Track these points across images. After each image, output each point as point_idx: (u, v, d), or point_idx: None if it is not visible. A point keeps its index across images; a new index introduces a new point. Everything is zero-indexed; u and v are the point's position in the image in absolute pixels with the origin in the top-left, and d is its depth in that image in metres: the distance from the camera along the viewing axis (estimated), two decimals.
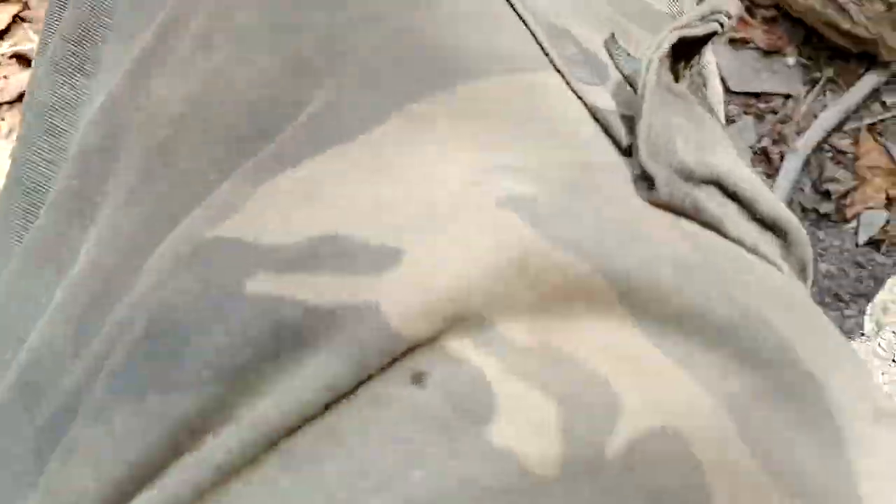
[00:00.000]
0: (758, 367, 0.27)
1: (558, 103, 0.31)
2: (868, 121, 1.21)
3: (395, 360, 0.26)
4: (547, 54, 0.32)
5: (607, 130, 0.31)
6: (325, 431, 0.25)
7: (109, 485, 0.25)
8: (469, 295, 0.25)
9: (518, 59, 0.32)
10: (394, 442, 0.24)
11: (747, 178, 0.32)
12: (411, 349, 0.26)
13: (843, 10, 1.14)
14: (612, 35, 0.35)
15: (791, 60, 1.20)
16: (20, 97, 1.06)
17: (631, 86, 0.34)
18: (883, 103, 1.22)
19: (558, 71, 0.32)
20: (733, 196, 0.32)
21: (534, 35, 0.33)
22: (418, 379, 0.25)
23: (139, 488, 0.25)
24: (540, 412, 0.24)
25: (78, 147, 0.36)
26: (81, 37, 0.39)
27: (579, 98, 0.32)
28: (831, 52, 1.19)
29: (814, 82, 1.20)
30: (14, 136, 0.99)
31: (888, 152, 1.21)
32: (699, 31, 0.33)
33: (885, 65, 1.19)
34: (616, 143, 0.31)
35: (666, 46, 0.31)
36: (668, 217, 0.29)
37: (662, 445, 0.24)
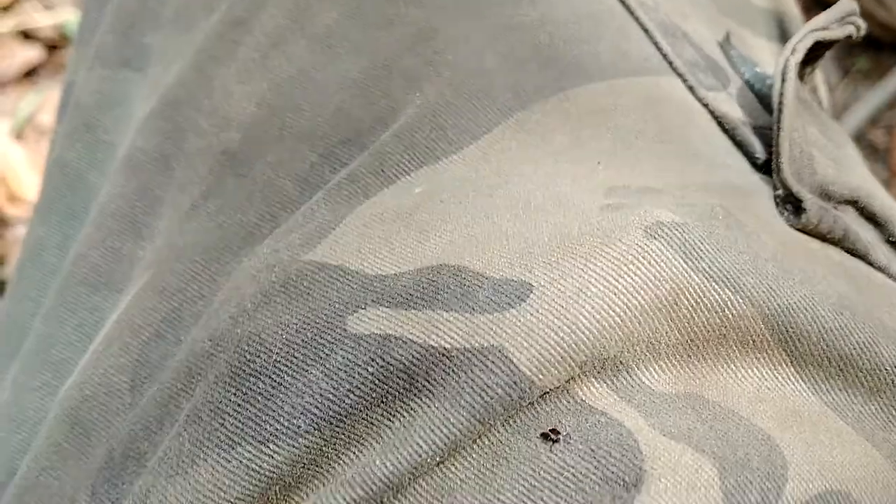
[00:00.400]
0: None
1: (685, 112, 0.28)
2: None
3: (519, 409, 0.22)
4: (665, 56, 0.29)
5: (739, 143, 0.28)
6: (436, 486, 0.22)
7: None
8: (611, 338, 0.22)
9: (634, 60, 0.29)
10: (520, 501, 0.21)
11: (881, 196, 0.29)
12: (542, 396, 0.22)
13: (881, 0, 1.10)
14: (727, 35, 0.32)
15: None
16: (26, 74, 1.02)
17: (752, 91, 0.30)
18: None
19: (679, 74, 0.29)
20: (871, 217, 0.28)
21: (648, 34, 0.29)
22: (550, 432, 0.22)
23: None
24: (698, 476, 0.21)
25: (129, 151, 0.33)
26: (128, 27, 0.35)
27: (704, 105, 0.28)
28: (865, 43, 1.16)
29: (846, 73, 1.17)
30: (16, 114, 0.96)
31: None
32: (837, 34, 0.29)
33: None
34: (749, 157, 0.28)
35: (802, 51, 0.28)
36: (816, 244, 0.26)
37: None
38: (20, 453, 0.30)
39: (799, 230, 0.26)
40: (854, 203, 0.28)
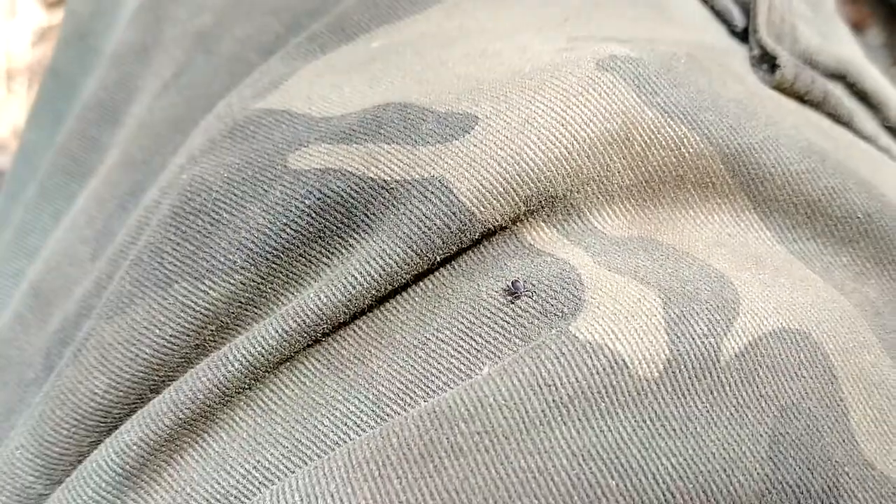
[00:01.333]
0: None
1: None
2: None
3: (462, 251, 0.22)
4: None
5: (717, 13, 0.27)
6: (374, 329, 0.21)
7: (122, 385, 0.22)
8: (558, 172, 0.21)
9: None
10: (457, 339, 0.20)
11: (876, 76, 0.28)
12: (484, 237, 0.21)
13: None
14: None
15: (873, 39, 1.13)
16: None
17: None
18: None
19: None
20: (862, 96, 0.27)
21: None
22: (489, 271, 0.21)
23: (156, 388, 0.22)
24: (640, 305, 0.19)
25: (115, 46, 0.33)
26: None
27: None
28: None
29: None
30: None
31: None
32: None
33: None
34: (728, 25, 0.27)
35: None
36: (793, 104, 0.25)
37: (789, 349, 0.19)
38: None
39: (779, 90, 0.25)
40: (843, 78, 0.27)
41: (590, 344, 0.19)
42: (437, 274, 0.21)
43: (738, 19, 0.27)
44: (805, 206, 0.22)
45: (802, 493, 0.18)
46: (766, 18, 0.25)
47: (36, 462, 0.22)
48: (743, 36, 0.26)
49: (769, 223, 0.22)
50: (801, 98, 0.25)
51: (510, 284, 0.20)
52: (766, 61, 0.25)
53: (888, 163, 0.25)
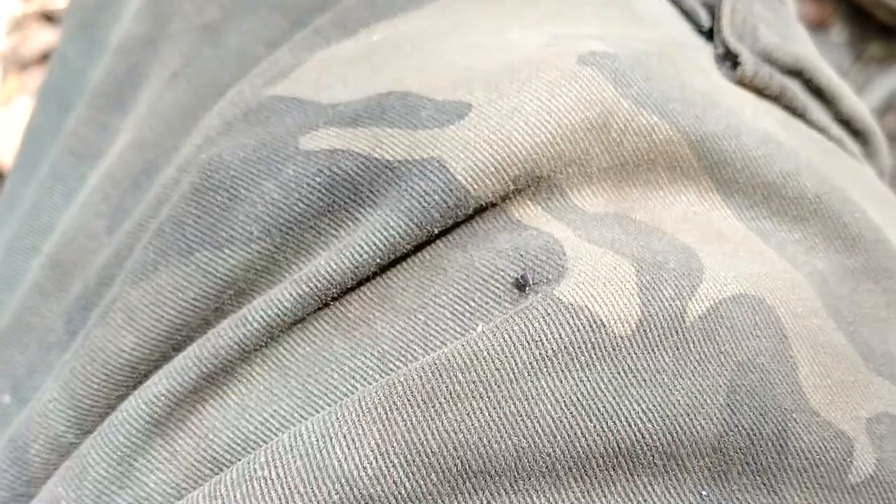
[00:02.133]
0: (846, 245, 0.25)
1: None
2: None
3: (457, 225, 0.24)
4: None
5: (685, 13, 0.30)
6: (378, 294, 0.24)
7: (148, 343, 0.24)
8: (543, 155, 0.23)
9: None
10: (452, 303, 0.23)
11: (830, 73, 0.30)
12: (477, 213, 0.24)
13: None
14: None
15: (836, 37, 1.17)
16: (48, 56, 1.05)
17: None
18: None
19: None
20: (817, 92, 0.30)
21: None
22: (481, 244, 0.24)
23: (180, 347, 0.24)
24: (616, 272, 0.22)
25: (121, 38, 0.35)
26: None
27: None
28: (878, 29, 1.16)
29: (858, 58, 1.17)
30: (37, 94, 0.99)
31: None
32: None
33: None
34: (695, 25, 0.29)
35: None
36: (752, 97, 0.27)
37: (746, 312, 0.22)
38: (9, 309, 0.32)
39: (740, 85, 0.28)
40: (799, 74, 0.29)
41: (572, 306, 0.21)
42: (433, 246, 0.24)
43: (705, 19, 0.29)
44: (762, 188, 0.25)
45: (755, 435, 0.21)
46: (729, 20, 0.28)
47: (68, 413, 0.24)
48: (709, 35, 0.29)
49: (730, 203, 0.25)
50: (760, 92, 0.28)
51: (519, 277, 0.23)
52: (729, 58, 0.28)
53: (836, 151, 0.28)
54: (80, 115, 0.34)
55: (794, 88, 0.29)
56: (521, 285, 0.23)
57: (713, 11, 0.29)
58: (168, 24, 0.33)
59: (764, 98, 0.28)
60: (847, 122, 0.30)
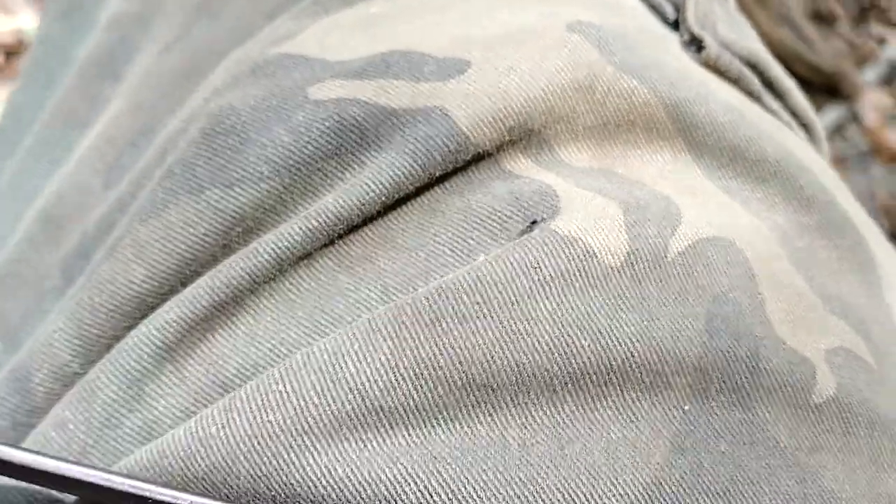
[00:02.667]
0: (802, 205, 0.28)
1: None
2: (830, 154, 1.25)
3: (454, 173, 0.26)
4: None
5: (654, 8, 0.33)
6: (380, 234, 0.25)
7: (158, 276, 0.25)
8: (535, 109, 0.26)
9: None
10: (451, 241, 0.24)
11: (780, 71, 0.34)
12: (474, 161, 0.26)
13: (809, 43, 1.19)
14: None
15: None
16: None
17: None
18: (844, 138, 1.27)
19: None
20: (768, 84, 0.33)
21: None
22: (477, 189, 0.25)
23: (187, 281, 0.25)
24: (605, 211, 0.24)
25: (111, 14, 0.36)
26: None
27: None
28: (800, 85, 1.24)
29: None
30: None
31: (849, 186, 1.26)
32: None
33: (847, 99, 1.24)
34: (664, 19, 0.32)
35: None
36: (715, 77, 0.30)
37: (720, 252, 0.24)
38: None
39: (704, 66, 0.30)
40: (754, 67, 0.32)
41: (567, 237, 0.23)
42: (432, 191, 0.26)
43: (670, 13, 0.32)
44: (728, 151, 0.27)
45: (731, 357, 0.23)
46: (693, 12, 0.31)
47: (73, 342, 0.24)
48: (674, 26, 0.32)
49: (700, 163, 0.27)
50: (722, 74, 0.31)
51: (531, 224, 0.24)
52: (694, 44, 0.31)
53: (788, 130, 0.31)
54: (69, 85, 0.35)
55: (751, 77, 0.32)
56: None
57: (677, 7, 0.32)
58: (163, 4, 0.35)
59: (725, 80, 0.31)
60: (794, 115, 0.34)
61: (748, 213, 0.27)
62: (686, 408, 0.23)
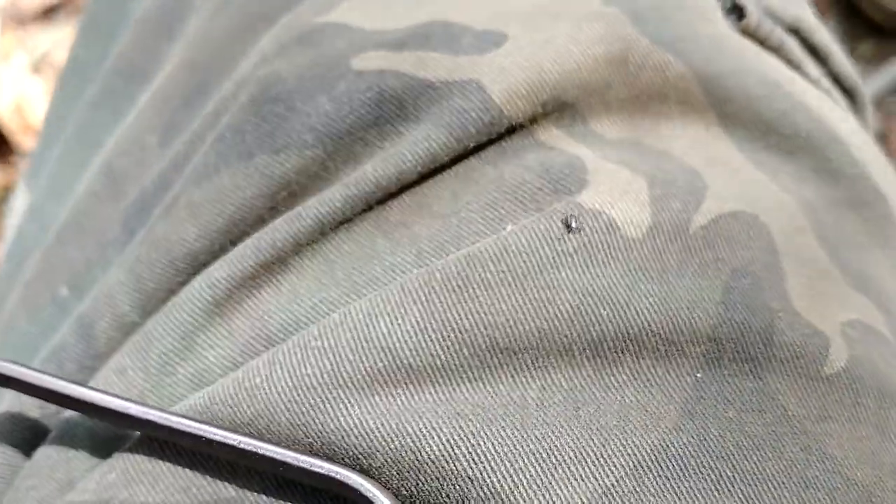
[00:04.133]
0: (831, 179, 0.28)
1: None
2: None
3: (489, 144, 0.27)
4: None
5: None
6: (416, 201, 0.26)
7: (209, 234, 0.27)
8: (569, 82, 0.26)
9: None
10: (483, 210, 0.26)
11: (825, 34, 0.33)
12: (508, 133, 0.27)
13: None
14: None
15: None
16: (46, 12, 1.06)
17: None
18: None
19: None
20: (812, 50, 0.33)
21: None
22: (510, 160, 0.27)
23: (236, 241, 0.27)
24: (631, 185, 0.25)
25: None
26: None
27: None
28: (868, 29, 1.20)
29: (849, 58, 1.21)
30: (34, 50, 1.00)
31: None
32: None
33: None
34: None
35: None
36: (755, 46, 0.31)
37: (743, 226, 0.25)
38: None
39: (744, 34, 0.31)
40: (797, 33, 0.32)
41: (591, 210, 0.24)
42: (467, 161, 0.27)
43: None
44: (761, 124, 0.28)
45: (746, 328, 0.24)
46: None
47: (133, 294, 0.27)
48: None
49: (732, 136, 0.28)
50: (762, 43, 0.31)
51: (565, 218, 0.24)
52: (735, 11, 0.31)
53: (826, 98, 0.31)
54: (127, 40, 0.37)
55: (792, 44, 0.32)
56: (567, 224, 0.25)
57: None
58: None
59: (764, 48, 0.31)
60: (837, 79, 0.34)
61: (776, 186, 0.27)
62: (699, 375, 0.24)
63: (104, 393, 0.24)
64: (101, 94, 0.37)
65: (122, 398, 0.24)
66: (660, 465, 0.22)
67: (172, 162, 0.30)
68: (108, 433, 0.25)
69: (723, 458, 0.23)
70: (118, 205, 0.31)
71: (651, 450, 0.22)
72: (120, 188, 0.32)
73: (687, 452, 0.23)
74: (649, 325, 0.24)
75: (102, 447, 0.25)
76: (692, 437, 0.23)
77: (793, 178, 0.28)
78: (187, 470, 0.24)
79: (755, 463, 0.23)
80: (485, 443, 0.22)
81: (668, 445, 0.23)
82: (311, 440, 0.23)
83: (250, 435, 0.23)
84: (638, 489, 0.22)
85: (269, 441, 0.23)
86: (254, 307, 0.26)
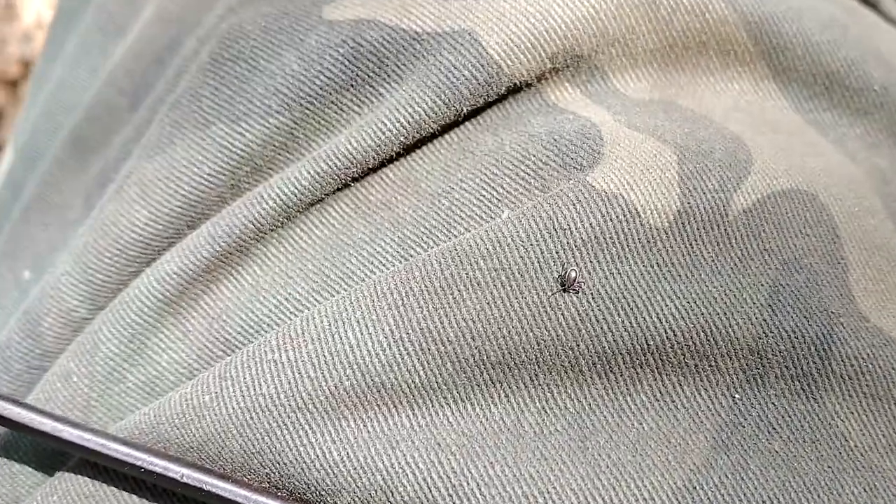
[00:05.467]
0: None
1: None
2: None
3: (488, 105, 0.22)
4: None
5: None
6: (401, 177, 0.22)
7: (161, 218, 0.23)
8: (584, 30, 0.22)
9: None
10: (479, 188, 0.21)
11: None
12: (511, 93, 0.22)
13: None
14: None
15: None
16: None
17: None
18: None
19: None
20: None
21: None
22: (513, 127, 0.22)
23: (194, 224, 0.23)
24: (657, 160, 0.20)
25: None
26: None
27: None
28: None
29: None
30: None
31: None
32: None
33: None
34: None
35: None
36: None
37: (796, 208, 0.20)
38: None
39: None
40: None
41: (605, 193, 0.20)
42: (462, 127, 0.22)
43: None
44: (823, 77, 0.23)
45: (798, 338, 0.19)
46: None
47: (80, 287, 0.23)
48: None
49: (787, 92, 0.23)
50: None
51: (563, 275, 0.20)
52: None
53: None
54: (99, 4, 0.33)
55: None
56: (564, 283, 0.20)
57: None
58: None
59: None
60: None
61: (842, 154, 0.22)
62: (737, 396, 0.19)
63: (35, 412, 0.21)
64: (79, 51, 0.33)
65: (56, 418, 0.21)
66: None
67: (135, 129, 0.26)
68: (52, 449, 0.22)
69: (765, 502, 0.18)
70: (83, 176, 0.28)
71: (674, 493, 0.18)
72: (86, 158, 0.28)
73: (719, 497, 0.18)
74: (675, 334, 0.19)
75: (48, 463, 0.22)
76: (725, 476, 0.19)
77: (863, 143, 0.23)
78: (133, 496, 0.21)
79: None
80: (468, 483, 0.18)
81: (695, 488, 0.18)
82: (267, 471, 0.19)
83: (201, 460, 0.20)
84: None
85: (222, 469, 0.20)
86: (211, 305, 0.22)
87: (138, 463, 0.20)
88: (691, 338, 0.19)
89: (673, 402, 0.19)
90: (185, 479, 0.19)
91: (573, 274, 0.19)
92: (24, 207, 0.29)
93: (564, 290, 0.19)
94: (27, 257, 0.28)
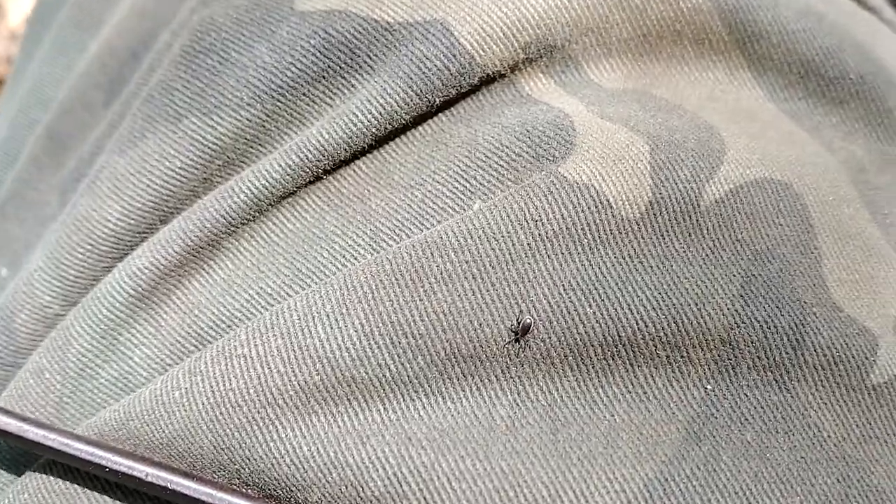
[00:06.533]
0: (889, 133, 0.23)
1: None
2: None
3: (461, 96, 0.22)
4: None
5: None
6: (374, 169, 0.22)
7: (133, 213, 0.23)
8: (557, 20, 0.21)
9: None
10: (452, 180, 0.21)
11: None
12: (485, 84, 0.22)
13: None
14: None
15: None
16: None
17: None
18: None
19: None
20: None
21: None
22: (487, 118, 0.22)
23: (165, 219, 0.23)
24: (628, 150, 0.20)
25: None
26: None
27: None
28: None
29: None
30: None
31: None
32: None
33: None
34: None
35: None
36: None
37: (769, 198, 0.20)
38: None
39: None
40: None
41: (577, 184, 0.19)
42: (436, 119, 0.22)
43: None
44: (799, 66, 0.22)
45: (770, 329, 0.19)
46: None
47: (53, 283, 0.23)
48: None
49: (762, 81, 0.23)
50: None
51: (517, 322, 0.19)
52: None
53: (889, 32, 0.25)
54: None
55: None
56: (516, 331, 0.19)
57: None
58: None
59: None
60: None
61: (817, 143, 0.22)
62: (708, 387, 0.19)
63: (3, 412, 0.21)
64: (55, 47, 0.33)
65: (21, 418, 0.20)
66: None
67: (109, 124, 0.26)
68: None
69: (735, 493, 0.18)
70: (59, 173, 0.28)
71: (644, 486, 0.18)
72: (61, 154, 0.28)
73: (689, 488, 0.18)
74: (646, 326, 0.19)
75: (21, 461, 0.22)
76: (697, 467, 0.18)
77: (838, 132, 0.23)
78: (105, 496, 0.20)
79: (779, 499, 0.18)
80: (439, 478, 0.18)
81: (666, 479, 0.18)
82: (237, 467, 0.19)
83: (170, 457, 0.19)
84: None
85: (192, 466, 0.19)
86: (183, 299, 0.22)
87: (102, 462, 0.19)
88: (663, 329, 0.19)
89: (645, 393, 0.19)
90: (149, 478, 0.19)
91: (528, 321, 0.19)
92: (1, 204, 0.29)
93: (517, 340, 0.19)
94: (4, 254, 0.28)
